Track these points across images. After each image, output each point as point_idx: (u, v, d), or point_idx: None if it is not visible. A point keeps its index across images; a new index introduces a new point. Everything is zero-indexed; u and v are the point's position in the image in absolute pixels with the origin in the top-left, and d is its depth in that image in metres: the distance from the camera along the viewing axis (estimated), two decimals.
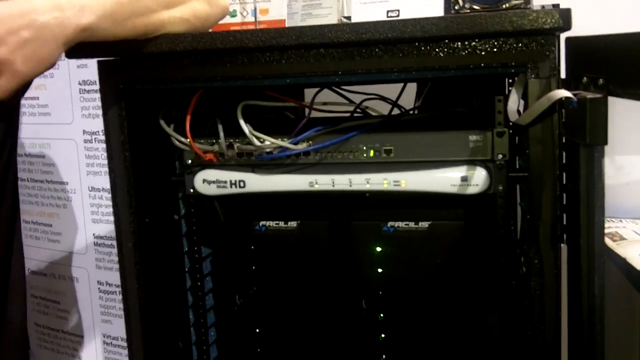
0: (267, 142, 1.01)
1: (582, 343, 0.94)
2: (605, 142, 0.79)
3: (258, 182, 1.05)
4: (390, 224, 1.03)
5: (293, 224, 1.08)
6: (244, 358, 1.14)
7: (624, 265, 1.17)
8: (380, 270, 1.05)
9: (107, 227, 1.58)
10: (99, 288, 1.60)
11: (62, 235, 1.64)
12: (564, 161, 0.91)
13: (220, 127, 1.03)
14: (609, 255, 1.20)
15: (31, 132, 1.65)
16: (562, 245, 0.94)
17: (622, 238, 1.22)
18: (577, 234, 0.90)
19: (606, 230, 0.99)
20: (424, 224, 1.02)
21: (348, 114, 1.12)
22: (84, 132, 1.57)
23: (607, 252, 1.19)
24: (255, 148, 1.01)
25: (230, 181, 1.06)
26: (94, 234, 1.59)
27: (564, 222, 0.93)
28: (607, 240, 1.20)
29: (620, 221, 1.31)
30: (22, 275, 1.45)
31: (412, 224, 1.02)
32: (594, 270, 0.90)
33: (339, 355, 1.11)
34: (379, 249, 1.04)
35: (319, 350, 1.11)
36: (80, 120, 1.57)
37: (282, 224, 1.08)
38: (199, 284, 1.15)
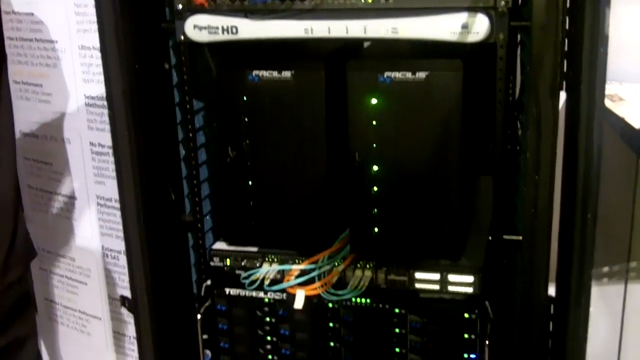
0: None
1: (575, 199, 0.93)
2: None
3: (251, 28, 1.02)
4: (386, 74, 1.00)
5: (287, 74, 1.05)
6: (236, 211, 1.14)
7: (622, 125, 1.16)
8: (375, 122, 1.03)
9: (99, 88, 1.54)
10: (91, 149, 1.59)
11: (52, 96, 1.61)
12: (568, 6, 0.88)
13: None
14: (607, 118, 1.19)
15: None
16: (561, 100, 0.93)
17: (621, 99, 1.20)
18: (577, 81, 0.88)
19: (606, 92, 0.97)
20: (421, 75, 0.99)
21: None
22: None
23: (605, 113, 1.17)
24: None
25: (222, 27, 1.02)
26: (85, 95, 1.56)
27: (565, 70, 0.91)
28: (606, 101, 1.18)
29: (621, 84, 1.29)
30: (11, 135, 1.43)
31: (409, 74, 1.00)
32: (593, 119, 0.89)
33: (331, 208, 1.11)
34: (374, 100, 1.02)
35: (311, 203, 1.10)
36: None
37: (275, 73, 1.05)
38: (190, 135, 1.13)
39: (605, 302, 1.34)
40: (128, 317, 1.63)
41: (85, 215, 1.66)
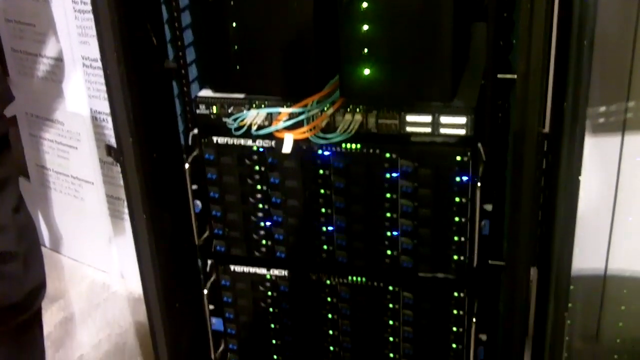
0: None
1: (572, 24, 0.89)
2: None
3: None
4: None
5: None
6: (220, 55, 1.10)
7: None
8: None
9: None
10: (73, 7, 1.53)
11: None
12: None
13: None
14: None
15: None
16: None
17: None
18: None
19: None
20: None
21: None
22: None
23: None
24: None
25: None
26: None
27: None
28: None
29: None
30: None
31: None
32: None
33: (319, 50, 1.07)
34: None
35: (298, 45, 1.06)
36: None
37: None
38: None
39: (600, 156, 1.32)
40: (121, 181, 1.61)
41: (71, 77, 1.62)
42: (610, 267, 1.33)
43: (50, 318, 1.63)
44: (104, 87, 1.55)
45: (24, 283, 1.12)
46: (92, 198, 1.71)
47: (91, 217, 1.73)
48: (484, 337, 1.18)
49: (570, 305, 1.09)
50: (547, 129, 1.01)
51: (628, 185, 1.31)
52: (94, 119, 1.62)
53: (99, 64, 1.52)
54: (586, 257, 1.32)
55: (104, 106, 1.58)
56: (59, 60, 1.62)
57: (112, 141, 1.61)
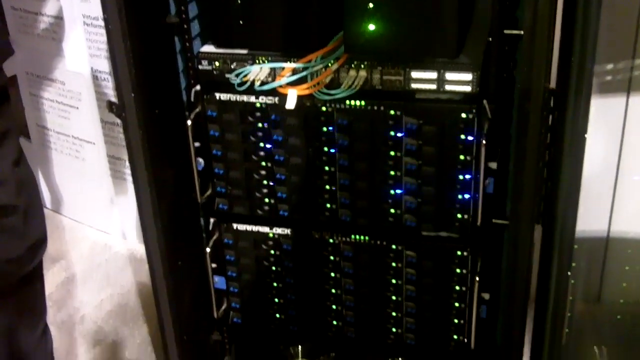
0: None
1: None
2: None
3: None
4: None
5: None
6: (223, 9, 1.08)
7: None
8: None
9: None
10: None
11: None
12: None
13: None
14: None
15: None
16: None
17: None
18: None
19: None
20: None
21: None
22: None
23: None
24: None
25: None
26: None
27: None
28: None
29: None
30: None
31: None
32: None
33: (324, 5, 1.05)
34: None
35: (299, 17, 1.05)
36: None
37: None
38: None
39: (605, 117, 1.31)
40: (122, 141, 1.61)
41: (72, 36, 1.60)
42: (614, 228, 1.32)
43: (51, 278, 1.64)
44: (104, 46, 1.55)
45: (24, 237, 1.12)
46: (93, 158, 1.70)
47: (92, 178, 1.73)
48: (486, 296, 1.18)
49: (573, 264, 1.08)
50: (553, 85, 1.00)
51: (633, 147, 1.30)
52: (95, 78, 1.61)
53: (100, 22, 1.52)
54: (590, 218, 1.31)
55: (105, 65, 1.57)
56: (59, 18, 1.61)
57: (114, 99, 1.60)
